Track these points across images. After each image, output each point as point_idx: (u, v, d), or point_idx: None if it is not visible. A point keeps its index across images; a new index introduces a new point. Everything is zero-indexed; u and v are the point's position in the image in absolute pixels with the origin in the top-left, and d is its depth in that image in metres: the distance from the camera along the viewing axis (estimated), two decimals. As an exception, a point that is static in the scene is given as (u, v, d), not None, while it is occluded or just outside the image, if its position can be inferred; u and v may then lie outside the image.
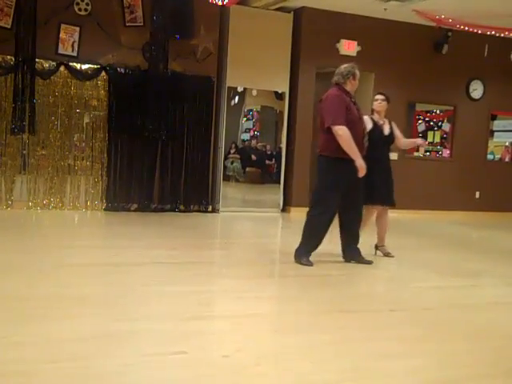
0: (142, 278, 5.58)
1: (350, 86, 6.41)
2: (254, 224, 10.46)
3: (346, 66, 6.48)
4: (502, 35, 11.70)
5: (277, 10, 11.27)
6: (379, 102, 7.16)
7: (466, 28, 11.34)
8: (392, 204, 7.09)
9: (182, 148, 10.75)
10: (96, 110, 10.22)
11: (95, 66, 10.09)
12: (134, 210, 10.39)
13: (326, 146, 6.27)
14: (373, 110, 7.22)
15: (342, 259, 6.68)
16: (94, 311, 4.43)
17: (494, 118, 13.55)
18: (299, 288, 5.65)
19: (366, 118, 6.81)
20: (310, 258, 6.42)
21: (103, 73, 10.14)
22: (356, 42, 11.70)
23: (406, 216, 11.38)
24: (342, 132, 6.11)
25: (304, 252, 6.43)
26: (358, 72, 6.45)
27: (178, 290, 5.17)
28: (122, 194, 10.37)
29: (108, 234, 8.61)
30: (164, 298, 4.89)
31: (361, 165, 6.13)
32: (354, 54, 11.62)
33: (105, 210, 10.26)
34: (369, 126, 6.88)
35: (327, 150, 6.26)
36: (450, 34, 12.08)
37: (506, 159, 13.75)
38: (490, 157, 13.54)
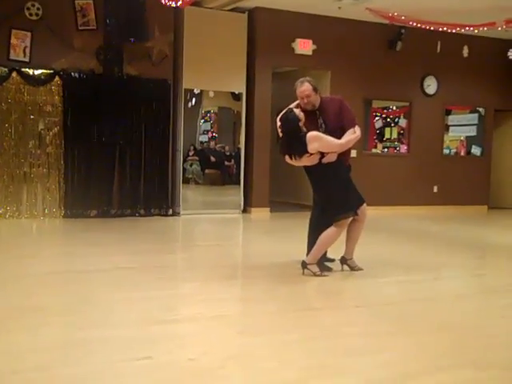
0: (105, 285, 5.50)
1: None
2: (215, 226, 10.41)
3: None
4: (454, 31, 11.87)
5: (231, 10, 11.25)
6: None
7: (419, 25, 11.47)
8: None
9: (140, 152, 10.65)
10: (51, 115, 10.04)
11: (48, 71, 9.92)
12: (93, 216, 10.24)
13: None
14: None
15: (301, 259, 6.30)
16: (57, 320, 4.35)
17: (448, 112, 13.74)
18: (263, 288, 5.62)
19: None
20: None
21: (57, 78, 9.97)
22: (311, 41, 11.74)
23: (367, 213, 11.42)
24: None
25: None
26: (297, 89, 5.99)
27: (142, 295, 5.10)
28: (80, 201, 10.20)
29: (68, 242, 8.46)
30: (128, 304, 4.83)
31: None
32: (310, 53, 11.68)
33: (63, 217, 10.09)
34: None
35: None
36: (403, 31, 12.21)
37: (462, 153, 13.96)
38: (446, 151, 13.72)
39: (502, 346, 4.09)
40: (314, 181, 6.10)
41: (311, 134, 5.74)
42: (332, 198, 5.96)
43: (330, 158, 5.85)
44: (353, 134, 5.94)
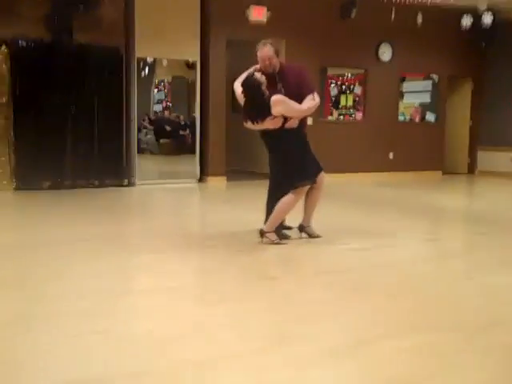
0: (60, 257, 5.38)
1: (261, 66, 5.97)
2: (172, 196, 10.32)
3: None
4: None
5: (183, -24, 11.02)
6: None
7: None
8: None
9: (94, 122, 10.42)
10: (-1, 85, 9.75)
11: (-5, 40, 9.61)
12: (46, 188, 10.02)
13: None
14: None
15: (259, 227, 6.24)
16: (12, 294, 4.25)
17: (403, 79, 13.81)
18: (221, 258, 5.58)
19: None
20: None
21: (3, 47, 9.63)
22: (265, 8, 11.58)
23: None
24: None
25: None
26: (258, 53, 5.89)
27: (97, 268, 5.01)
28: (32, 173, 9.94)
29: (21, 215, 8.25)
30: (84, 276, 4.75)
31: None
32: (264, 21, 11.53)
33: (15, 189, 9.85)
34: None
35: None
36: (357, -2, 12.16)
37: (416, 119, 14.07)
38: (401, 118, 13.82)
39: (458, 308, 4.14)
40: (273, 148, 6.04)
41: (276, 97, 5.68)
42: (290, 165, 5.92)
43: (292, 123, 5.82)
44: (312, 101, 5.90)
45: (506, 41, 13.59)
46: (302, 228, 6.28)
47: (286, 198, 5.88)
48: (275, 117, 5.72)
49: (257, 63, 6.02)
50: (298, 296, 4.35)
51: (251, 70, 6.01)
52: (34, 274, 4.81)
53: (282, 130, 5.82)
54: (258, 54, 5.91)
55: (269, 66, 5.88)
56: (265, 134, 5.97)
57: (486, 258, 5.85)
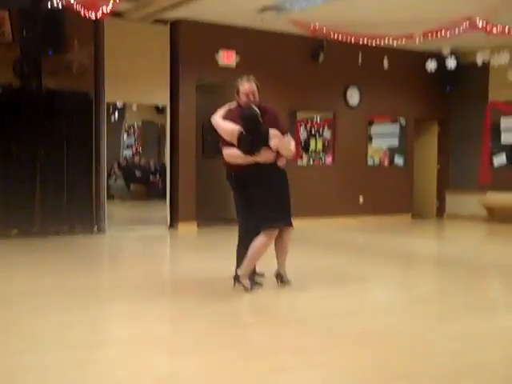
0: (27, 308, 5.26)
1: (241, 102, 5.98)
2: (142, 243, 10.18)
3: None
4: (374, 43, 12.07)
5: (153, 22, 11.08)
6: None
7: (340, 37, 11.60)
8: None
9: (63, 168, 10.32)
10: (-34, 131, 9.64)
11: (-38, 86, 9.53)
12: (14, 236, 9.84)
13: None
14: None
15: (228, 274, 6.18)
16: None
17: (371, 123, 13.96)
18: (192, 306, 5.49)
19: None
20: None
21: (-29, 93, 9.60)
22: (234, 52, 11.68)
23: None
24: (226, 154, 5.92)
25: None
26: (241, 87, 5.93)
27: (66, 319, 4.89)
28: (0, 219, 9.77)
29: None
30: (51, 328, 4.63)
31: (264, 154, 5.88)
32: (234, 65, 11.62)
33: (-19, 237, 9.67)
34: None
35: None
36: (325, 43, 12.32)
37: (385, 163, 14.18)
38: (370, 161, 13.91)
39: (430, 356, 4.09)
40: (257, 182, 5.90)
41: (274, 131, 5.76)
42: (271, 201, 5.88)
43: (283, 160, 5.94)
44: (292, 142, 6.05)
45: (470, 84, 13.85)
46: (278, 275, 6.14)
47: (258, 241, 5.81)
48: (270, 149, 5.74)
49: (232, 99, 6.05)
50: (270, 345, 4.29)
51: (231, 104, 6.01)
52: (2, 327, 4.67)
53: (271, 164, 5.84)
54: (241, 88, 5.93)
55: (252, 101, 5.89)
56: (250, 167, 5.85)
57: (457, 302, 5.84)
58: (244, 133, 5.76)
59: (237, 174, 5.98)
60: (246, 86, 5.90)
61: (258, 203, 5.92)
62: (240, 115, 5.83)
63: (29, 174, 10.02)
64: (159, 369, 3.77)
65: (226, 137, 5.86)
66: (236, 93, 6.00)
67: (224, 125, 5.89)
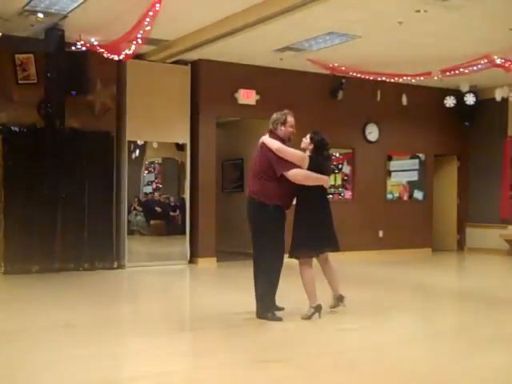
0: (47, 343, 5.33)
1: (282, 133, 6.44)
2: (162, 278, 10.25)
3: (276, 113, 6.55)
4: (393, 80, 12.19)
5: (174, 63, 11.30)
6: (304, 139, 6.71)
7: (359, 75, 11.75)
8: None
9: (84, 205, 10.47)
10: (-9, 170, 9.85)
11: (-12, 126, 9.77)
12: (35, 272, 9.96)
13: (268, 193, 6.27)
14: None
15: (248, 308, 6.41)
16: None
17: (390, 158, 14.01)
18: (213, 340, 5.54)
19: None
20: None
21: (-4, 132, 9.82)
22: (254, 91, 11.86)
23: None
24: (296, 173, 6.23)
25: (270, 306, 6.28)
26: (289, 118, 6.49)
27: (86, 354, 4.94)
28: (22, 256, 9.91)
29: (8, 299, 8.17)
30: (71, 363, 4.67)
31: (327, 179, 6.46)
32: (254, 103, 11.79)
33: (4, 273, 9.79)
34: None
35: (269, 198, 6.26)
36: (343, 80, 12.46)
37: (405, 197, 14.20)
38: (389, 196, 13.95)
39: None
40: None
41: None
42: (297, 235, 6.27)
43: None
44: None
45: (489, 119, 13.91)
46: (340, 298, 6.67)
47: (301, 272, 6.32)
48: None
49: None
50: (293, 381, 4.29)
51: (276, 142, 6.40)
52: (19, 362, 4.72)
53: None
54: (289, 119, 6.49)
55: (293, 134, 6.52)
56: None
57: (481, 336, 5.83)
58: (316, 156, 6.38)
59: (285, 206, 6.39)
60: (293, 119, 6.53)
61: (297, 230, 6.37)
62: (315, 140, 6.47)
63: (50, 211, 10.17)
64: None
65: (295, 160, 6.26)
66: (281, 123, 6.46)
67: (292, 150, 6.35)
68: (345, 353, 5.14)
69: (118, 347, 5.33)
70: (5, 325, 6.19)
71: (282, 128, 6.43)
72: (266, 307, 6.21)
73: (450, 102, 13.56)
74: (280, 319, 6.13)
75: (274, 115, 6.54)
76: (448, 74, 11.36)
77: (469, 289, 9.22)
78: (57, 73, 9.70)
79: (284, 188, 6.26)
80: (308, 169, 6.28)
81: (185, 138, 11.49)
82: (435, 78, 11.71)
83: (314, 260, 6.44)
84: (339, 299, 6.67)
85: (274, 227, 6.25)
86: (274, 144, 6.29)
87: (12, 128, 9.90)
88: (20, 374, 4.44)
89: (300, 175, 6.23)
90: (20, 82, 9.96)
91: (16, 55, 9.90)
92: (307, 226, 6.25)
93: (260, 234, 6.27)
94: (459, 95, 13.54)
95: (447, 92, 13.62)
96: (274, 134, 6.44)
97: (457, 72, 11.19)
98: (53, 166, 10.08)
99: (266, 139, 6.40)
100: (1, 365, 4.72)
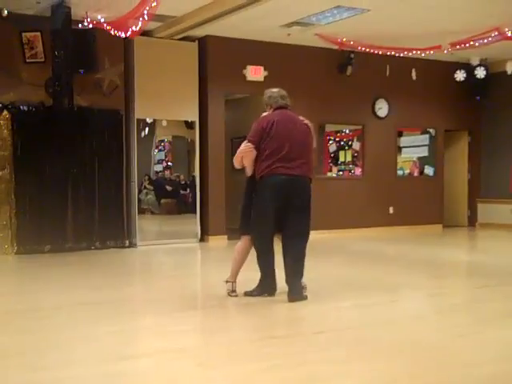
0: (60, 322, 5.34)
1: None
2: (173, 256, 10.27)
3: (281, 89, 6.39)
4: (402, 55, 12.09)
5: (181, 39, 11.24)
6: None
7: (368, 49, 11.65)
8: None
9: (94, 184, 10.48)
10: (0, 149, 9.84)
11: (-4, 105, 9.76)
12: (48, 252, 10.00)
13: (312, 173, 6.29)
14: None
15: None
16: (11, 362, 4.20)
17: (400, 134, 13.94)
18: (223, 318, 5.55)
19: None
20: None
21: (5, 112, 9.79)
22: (263, 68, 11.80)
23: (324, 236, 11.47)
24: None
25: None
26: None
27: (99, 332, 4.97)
28: (33, 236, 9.94)
29: (21, 279, 8.23)
30: (84, 342, 4.69)
31: None
32: (262, 80, 11.72)
33: (16, 253, 9.83)
34: None
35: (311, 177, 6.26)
36: (352, 55, 12.38)
37: (415, 174, 14.15)
38: (399, 172, 13.89)
39: (460, 366, 4.08)
40: None
41: None
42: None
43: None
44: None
45: (500, 93, 13.78)
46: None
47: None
48: None
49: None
50: (299, 356, 4.29)
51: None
52: (33, 341, 4.75)
53: None
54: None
55: None
56: None
57: (490, 311, 5.81)
58: None
59: None
60: None
61: None
62: None
63: (61, 191, 10.19)
64: (189, 381, 3.82)
65: None
66: None
67: None
68: (355, 328, 5.13)
69: (131, 325, 5.34)
70: (18, 305, 6.21)
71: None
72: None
73: (460, 75, 13.45)
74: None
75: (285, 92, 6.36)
76: (458, 47, 11.25)
77: (480, 264, 9.18)
78: (64, 51, 9.65)
79: None
80: None
81: (194, 116, 11.45)
82: (445, 51, 11.59)
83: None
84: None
85: None
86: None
87: (21, 107, 9.89)
88: (31, 353, 4.46)
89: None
90: (28, 60, 9.93)
91: (23, 33, 9.86)
92: None
93: (308, 209, 6.17)
94: (470, 69, 13.42)
95: (457, 66, 13.49)
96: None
97: (467, 45, 11.06)
98: (62, 145, 10.07)
99: (308, 123, 6.31)
100: (13, 343, 4.76)
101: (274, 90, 6.34)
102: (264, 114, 6.26)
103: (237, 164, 6.24)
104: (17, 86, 9.85)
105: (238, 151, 6.20)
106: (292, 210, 6.02)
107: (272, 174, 6.00)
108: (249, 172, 6.17)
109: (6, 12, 8.41)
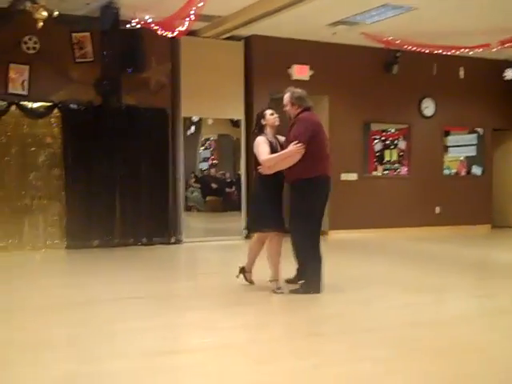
0: (108, 316, 5.46)
1: None
2: (218, 253, 10.37)
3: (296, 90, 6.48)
4: (449, 53, 11.96)
5: (227, 38, 11.32)
6: (275, 116, 6.59)
7: (414, 48, 11.56)
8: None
9: (141, 181, 10.66)
10: (50, 147, 10.10)
11: (47, 104, 9.99)
12: (96, 246, 10.21)
13: None
14: (264, 128, 6.62)
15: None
16: (60, 354, 4.30)
17: (447, 133, 13.78)
18: (270, 314, 5.59)
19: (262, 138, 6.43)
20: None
21: (55, 110, 10.05)
22: (308, 67, 11.81)
23: (369, 235, 11.43)
24: None
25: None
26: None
27: (147, 326, 5.04)
28: (82, 231, 10.17)
29: (71, 272, 8.41)
30: (133, 335, 4.77)
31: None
32: (307, 79, 11.72)
33: (66, 248, 10.07)
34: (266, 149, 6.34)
35: None
36: (398, 54, 12.28)
37: (462, 173, 13.97)
38: (446, 172, 13.73)
39: (505, 370, 4.03)
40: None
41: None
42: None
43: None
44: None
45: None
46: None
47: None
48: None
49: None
50: (347, 354, 4.29)
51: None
52: (83, 333, 4.85)
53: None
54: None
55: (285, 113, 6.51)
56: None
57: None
58: None
59: None
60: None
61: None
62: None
63: (109, 188, 10.39)
64: (236, 377, 3.84)
65: None
66: None
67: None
68: (399, 328, 5.10)
69: (176, 320, 5.41)
70: (67, 298, 6.35)
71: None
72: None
73: (509, 74, 13.22)
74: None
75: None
76: (507, 45, 11.07)
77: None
78: (113, 50, 9.87)
79: None
80: None
81: (239, 114, 11.53)
82: (494, 49, 11.41)
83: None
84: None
85: None
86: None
87: (70, 106, 10.12)
88: (80, 345, 4.55)
89: None
90: (77, 60, 10.15)
91: (73, 34, 10.09)
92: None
93: None
94: (519, 67, 13.20)
95: (506, 64, 13.27)
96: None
97: (516, 43, 10.89)
98: (110, 143, 10.26)
99: None
100: (62, 334, 4.87)
101: (299, 90, 6.45)
102: (292, 112, 6.43)
103: (283, 164, 6.21)
104: (67, 85, 10.09)
105: (281, 153, 6.21)
106: (324, 206, 6.40)
107: (324, 174, 6.25)
108: (275, 171, 6.28)
109: (56, 13, 8.61)
